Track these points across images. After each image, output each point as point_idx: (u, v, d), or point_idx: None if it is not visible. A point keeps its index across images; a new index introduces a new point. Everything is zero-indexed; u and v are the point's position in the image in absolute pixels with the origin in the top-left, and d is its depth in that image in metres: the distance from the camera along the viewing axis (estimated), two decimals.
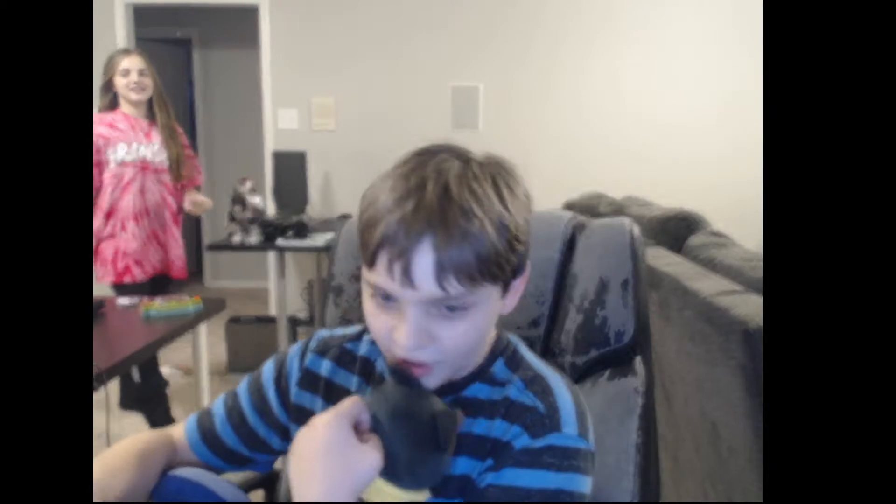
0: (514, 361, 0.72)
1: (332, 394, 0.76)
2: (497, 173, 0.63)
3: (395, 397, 0.63)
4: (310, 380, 0.78)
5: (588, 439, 0.67)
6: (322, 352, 0.79)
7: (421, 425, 0.62)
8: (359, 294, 1.05)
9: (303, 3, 4.16)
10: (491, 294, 0.63)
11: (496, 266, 0.60)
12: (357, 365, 0.78)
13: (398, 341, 0.61)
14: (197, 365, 2.21)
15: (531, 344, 0.97)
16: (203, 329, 2.17)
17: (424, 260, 0.58)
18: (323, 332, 0.82)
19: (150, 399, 2.60)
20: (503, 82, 4.20)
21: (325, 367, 0.78)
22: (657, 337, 1.71)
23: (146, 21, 4.51)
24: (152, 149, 2.51)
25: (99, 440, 2.39)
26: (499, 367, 0.71)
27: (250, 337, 3.44)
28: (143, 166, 2.49)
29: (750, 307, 1.21)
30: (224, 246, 3.20)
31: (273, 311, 4.12)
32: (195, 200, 2.62)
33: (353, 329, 0.82)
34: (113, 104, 2.51)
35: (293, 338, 3.53)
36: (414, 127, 4.22)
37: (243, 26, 4.83)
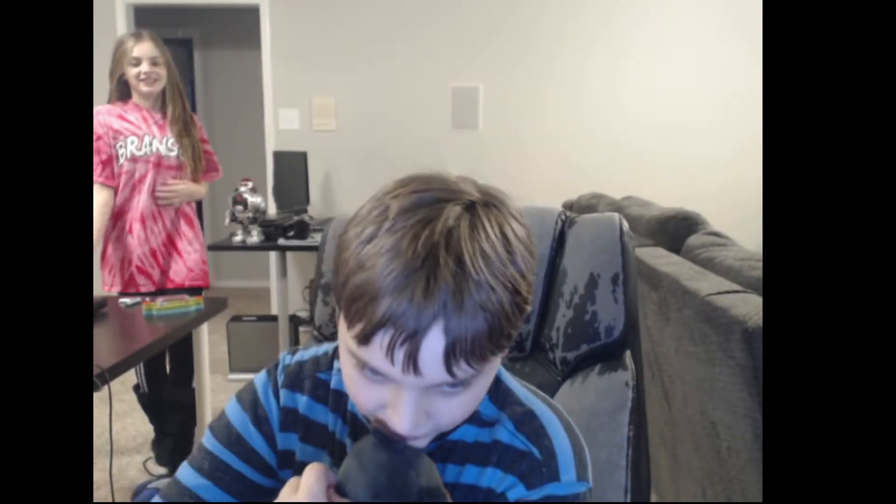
0: (500, 394, 0.67)
1: (311, 432, 0.69)
2: (503, 221, 0.54)
3: (375, 467, 0.54)
4: (290, 420, 0.70)
5: (587, 478, 0.63)
6: (294, 386, 0.70)
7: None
8: None
9: (303, 3, 4.16)
10: (495, 363, 0.57)
11: (506, 338, 0.54)
12: (330, 399, 0.70)
13: (393, 423, 0.55)
14: (199, 364, 2.22)
15: (522, 340, 0.97)
16: (205, 328, 2.17)
17: (434, 346, 0.50)
18: (286, 359, 0.72)
19: (157, 406, 2.46)
20: (503, 82, 4.21)
21: (301, 403, 0.70)
22: (657, 337, 1.72)
23: (147, 21, 4.51)
24: (167, 143, 2.27)
25: (100, 440, 2.40)
26: (484, 404, 0.65)
27: (252, 336, 3.45)
28: (157, 162, 2.26)
29: (749, 307, 1.21)
30: (225, 246, 3.20)
31: (275, 310, 4.13)
32: (169, 187, 2.30)
33: (320, 350, 0.73)
34: (125, 94, 2.28)
35: (295, 336, 3.54)
36: (414, 127, 4.23)
37: (244, 26, 4.84)
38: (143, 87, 2.24)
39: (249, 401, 0.70)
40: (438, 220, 0.51)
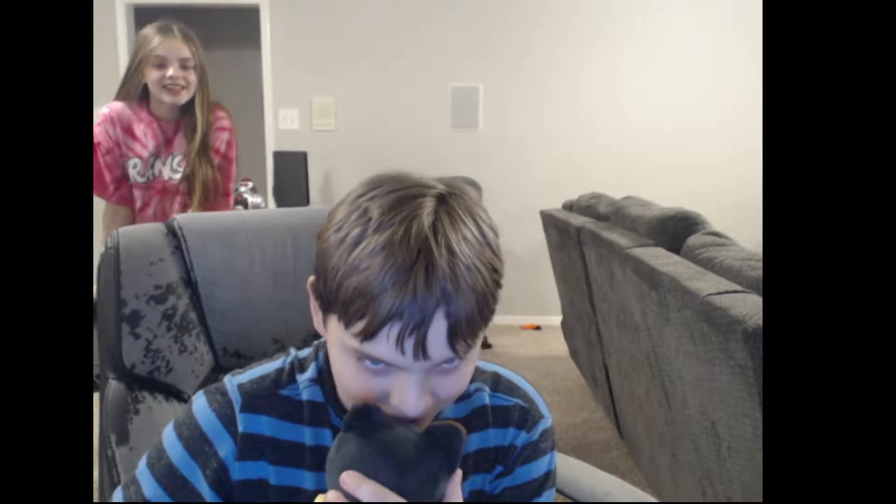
0: None
1: (283, 454, 0.66)
2: (471, 208, 0.58)
3: (378, 438, 0.56)
4: (252, 446, 0.65)
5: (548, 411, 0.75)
6: (255, 408, 0.66)
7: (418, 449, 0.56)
8: (165, 318, 0.90)
9: (303, 4, 4.17)
10: (481, 338, 0.60)
11: (491, 313, 0.58)
12: (304, 414, 0.67)
13: (401, 407, 0.57)
14: None
15: None
16: None
17: (439, 329, 0.54)
18: (232, 381, 0.67)
19: None
20: (503, 82, 4.21)
21: (265, 424, 0.65)
22: (657, 337, 1.72)
23: (146, 21, 4.50)
24: (173, 163, 1.85)
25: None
26: None
27: None
28: (162, 188, 1.87)
29: (749, 307, 1.21)
30: None
31: None
32: None
33: (268, 368, 0.69)
34: (143, 95, 1.81)
35: None
36: (414, 127, 4.23)
37: (244, 26, 4.84)
38: (166, 97, 1.77)
39: (194, 439, 0.64)
40: (422, 215, 0.55)
